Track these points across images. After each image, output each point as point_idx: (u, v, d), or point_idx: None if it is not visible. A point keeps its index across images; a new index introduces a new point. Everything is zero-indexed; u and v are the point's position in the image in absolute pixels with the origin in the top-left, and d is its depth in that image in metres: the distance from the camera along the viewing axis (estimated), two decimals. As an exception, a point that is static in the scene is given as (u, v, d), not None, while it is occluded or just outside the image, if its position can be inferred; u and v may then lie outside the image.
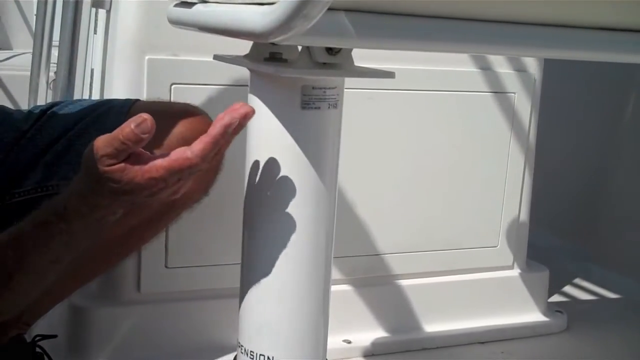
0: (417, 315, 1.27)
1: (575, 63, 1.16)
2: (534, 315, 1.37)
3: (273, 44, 0.64)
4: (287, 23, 0.50)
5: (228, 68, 0.79)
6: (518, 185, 1.32)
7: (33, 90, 1.60)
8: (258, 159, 0.70)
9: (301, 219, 0.70)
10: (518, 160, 1.31)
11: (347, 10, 0.54)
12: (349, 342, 1.21)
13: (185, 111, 0.91)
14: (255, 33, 0.54)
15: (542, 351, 1.30)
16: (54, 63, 1.32)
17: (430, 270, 1.28)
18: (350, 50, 0.67)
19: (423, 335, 1.26)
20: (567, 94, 1.77)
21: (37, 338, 1.00)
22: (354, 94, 1.05)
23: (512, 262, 1.35)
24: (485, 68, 1.25)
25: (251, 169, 0.72)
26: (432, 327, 1.28)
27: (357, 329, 1.22)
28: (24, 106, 1.62)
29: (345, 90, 0.71)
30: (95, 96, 1.16)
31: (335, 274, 1.02)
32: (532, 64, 1.29)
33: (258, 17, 0.53)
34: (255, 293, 0.73)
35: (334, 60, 0.66)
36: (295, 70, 0.66)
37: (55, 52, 1.36)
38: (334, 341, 1.13)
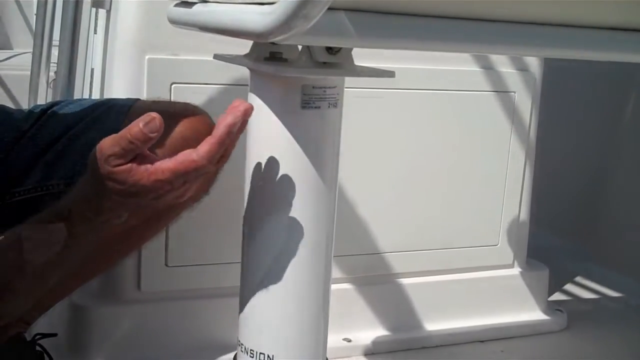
0: (417, 314, 1.27)
1: (575, 62, 1.16)
2: (534, 314, 1.37)
3: (273, 43, 0.64)
4: (287, 23, 0.50)
5: (228, 67, 0.79)
6: (518, 184, 1.32)
7: (33, 89, 1.60)
8: (258, 158, 0.71)
9: (301, 217, 0.70)
10: (518, 159, 1.31)
11: (347, 9, 0.54)
12: (349, 341, 1.21)
13: (186, 110, 0.91)
14: (256, 33, 0.54)
15: (542, 350, 1.31)
16: (54, 63, 1.32)
17: (430, 269, 1.28)
18: (351, 49, 0.67)
19: (423, 334, 1.26)
20: (567, 93, 1.77)
21: (37, 337, 1.00)
22: (354, 93, 1.05)
23: (512, 260, 1.36)
24: (486, 67, 1.25)
25: (251, 168, 0.72)
26: (432, 325, 1.28)
27: (357, 327, 1.22)
28: (25, 106, 1.62)
29: (345, 89, 0.71)
30: (95, 96, 1.16)
31: (335, 272, 1.02)
32: (533, 63, 1.29)
33: (258, 17, 0.54)
34: (256, 292, 0.73)
35: (334, 59, 0.66)
36: (295, 70, 0.66)
37: (55, 52, 1.36)
38: (334, 340, 1.13)
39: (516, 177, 1.32)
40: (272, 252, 0.71)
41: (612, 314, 1.49)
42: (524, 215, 1.34)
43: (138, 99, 0.95)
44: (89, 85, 1.21)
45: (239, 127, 0.65)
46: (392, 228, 1.23)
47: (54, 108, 0.94)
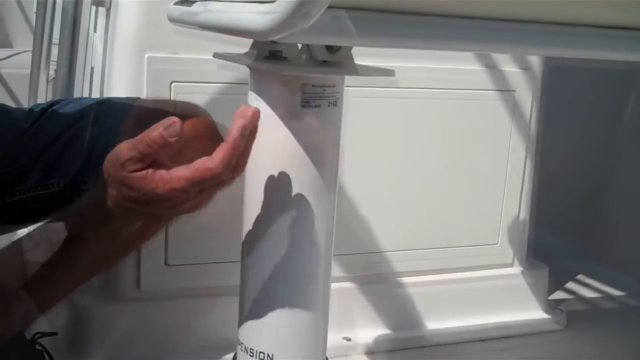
0: (417, 313, 1.27)
1: (576, 61, 1.16)
2: (534, 313, 1.37)
3: (273, 42, 0.64)
4: (286, 21, 0.50)
5: (228, 66, 0.79)
6: (518, 183, 1.32)
7: (33, 88, 1.60)
8: (258, 156, 0.70)
9: (301, 216, 0.70)
10: (518, 158, 1.31)
11: (347, 8, 0.54)
12: (349, 340, 1.21)
13: (186, 110, 0.90)
14: (255, 31, 0.54)
15: (542, 349, 1.31)
16: (54, 61, 1.32)
17: (430, 268, 1.28)
18: (350, 48, 0.67)
19: (423, 333, 1.27)
20: (567, 92, 1.77)
21: (37, 335, 1.00)
22: (354, 92, 1.05)
23: (512, 260, 1.36)
24: (486, 66, 1.25)
25: (251, 166, 0.71)
26: (432, 324, 1.28)
27: (357, 326, 1.22)
28: (25, 104, 1.62)
29: (345, 88, 0.71)
30: (95, 94, 1.16)
31: (335, 271, 1.02)
32: (533, 62, 1.29)
33: (258, 16, 0.53)
34: (256, 291, 0.73)
35: (334, 58, 0.66)
36: (295, 69, 0.66)
37: (55, 50, 1.36)
38: (334, 339, 1.14)
39: (516, 176, 1.32)
40: (271, 250, 0.71)
41: (612, 313, 1.49)
42: (524, 214, 1.34)
43: (138, 98, 0.95)
44: (88, 83, 1.21)
45: (251, 132, 0.63)
46: (391, 227, 1.23)
47: (54, 107, 0.94)
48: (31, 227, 0.92)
